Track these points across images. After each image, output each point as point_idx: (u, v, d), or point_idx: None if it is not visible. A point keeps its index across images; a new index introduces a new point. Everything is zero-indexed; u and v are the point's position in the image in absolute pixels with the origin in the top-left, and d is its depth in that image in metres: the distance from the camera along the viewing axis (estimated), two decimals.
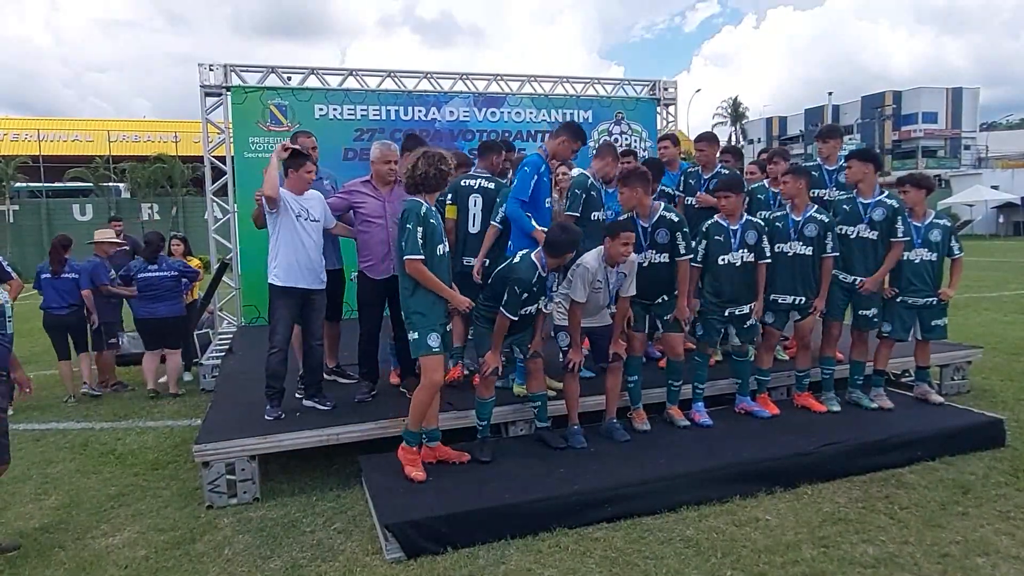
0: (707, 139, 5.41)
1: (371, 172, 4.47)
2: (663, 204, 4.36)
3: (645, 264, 4.24)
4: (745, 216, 4.46)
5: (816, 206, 4.60)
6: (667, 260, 4.24)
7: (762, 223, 4.48)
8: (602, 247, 3.94)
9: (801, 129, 53.59)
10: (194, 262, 7.29)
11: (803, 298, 4.54)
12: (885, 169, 44.41)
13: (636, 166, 4.58)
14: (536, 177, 4.20)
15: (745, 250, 4.38)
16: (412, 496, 3.42)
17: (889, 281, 4.74)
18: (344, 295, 4.98)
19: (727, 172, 5.17)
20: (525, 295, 3.68)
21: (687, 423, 4.36)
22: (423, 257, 3.51)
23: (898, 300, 4.70)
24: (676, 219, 4.25)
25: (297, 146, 4.37)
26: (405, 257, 3.50)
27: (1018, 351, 6.90)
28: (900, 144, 49.11)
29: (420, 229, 3.49)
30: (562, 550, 3.16)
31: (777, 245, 4.49)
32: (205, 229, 8.32)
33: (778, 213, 4.63)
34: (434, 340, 3.57)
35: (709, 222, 4.47)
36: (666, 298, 4.29)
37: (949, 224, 4.75)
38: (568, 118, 8.73)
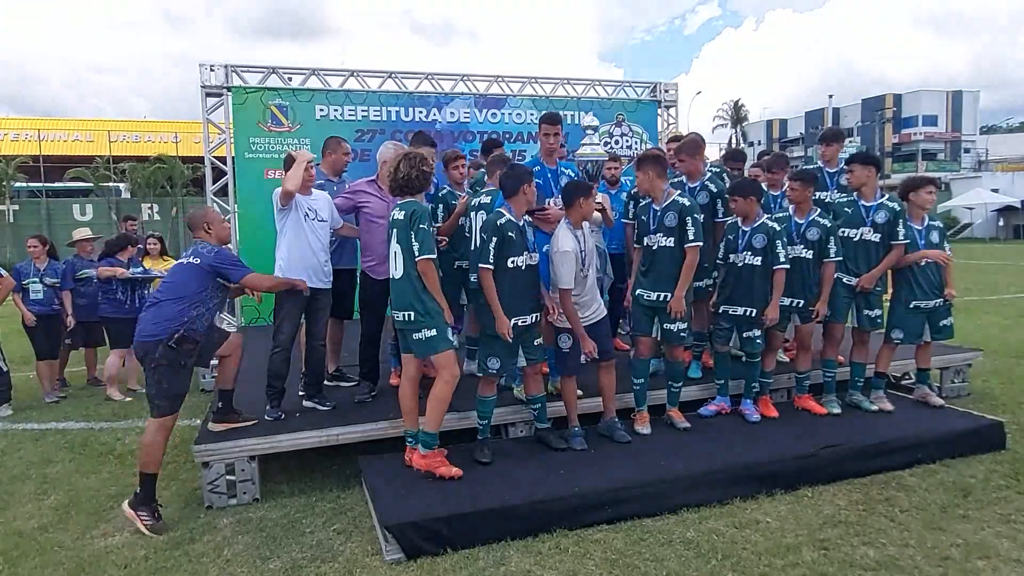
0: (687, 150, 4.84)
1: (376, 172, 4.48)
2: (679, 191, 4.33)
3: (654, 247, 4.23)
4: (761, 219, 4.41)
5: (819, 210, 4.60)
6: (672, 244, 4.17)
7: (776, 227, 4.39)
8: (565, 228, 3.90)
9: (801, 132, 53.67)
10: (171, 262, 7.25)
11: (802, 301, 4.54)
12: (885, 172, 44.51)
13: (650, 150, 4.62)
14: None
15: (749, 253, 4.38)
16: (412, 497, 3.42)
17: (892, 285, 4.72)
18: (356, 296, 4.97)
19: (714, 176, 5.09)
20: (495, 239, 3.67)
21: (687, 425, 4.35)
22: (435, 257, 3.58)
23: (911, 305, 4.67)
24: (688, 203, 4.19)
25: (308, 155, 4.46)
26: (423, 257, 3.52)
27: (1018, 354, 6.89)
28: (900, 147, 49.18)
29: (433, 230, 3.55)
30: (562, 551, 3.16)
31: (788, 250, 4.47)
32: None
33: (779, 215, 4.64)
34: (451, 334, 3.65)
35: (730, 221, 4.54)
36: (669, 297, 4.22)
37: (941, 225, 4.77)
38: (569, 120, 8.72)
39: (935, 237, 4.65)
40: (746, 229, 4.42)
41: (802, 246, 4.51)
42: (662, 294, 4.23)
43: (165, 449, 3.67)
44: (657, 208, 4.23)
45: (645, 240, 4.29)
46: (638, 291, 4.33)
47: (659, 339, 4.39)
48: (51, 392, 6.29)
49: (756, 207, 4.42)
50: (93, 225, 23.22)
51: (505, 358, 3.82)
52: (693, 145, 4.89)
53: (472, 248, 4.22)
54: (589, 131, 4.62)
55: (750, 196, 4.40)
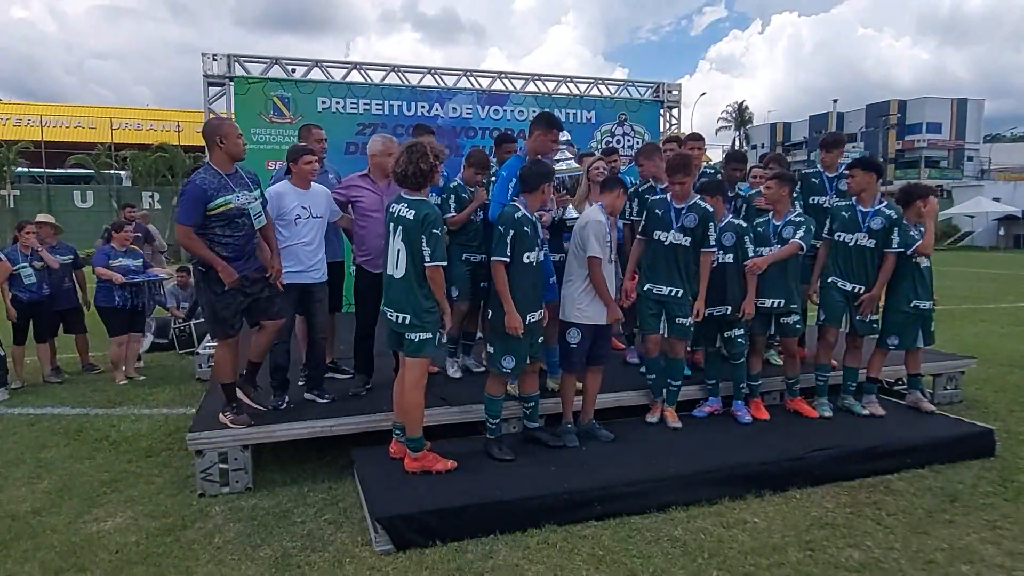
0: (645, 152, 5.10)
1: (368, 166, 4.51)
2: (699, 196, 4.41)
3: (666, 243, 4.29)
4: (727, 218, 4.54)
5: (796, 211, 4.66)
6: (688, 244, 4.27)
7: (743, 224, 4.57)
8: (596, 206, 4.00)
9: (805, 135, 53.62)
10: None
11: (782, 301, 4.59)
12: (887, 178, 44.48)
13: (678, 154, 4.71)
14: (514, 180, 4.23)
15: (721, 252, 4.47)
16: (403, 489, 3.44)
17: (897, 290, 4.71)
18: (344, 288, 5.00)
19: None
20: (512, 232, 3.67)
21: (678, 425, 4.39)
22: (446, 263, 3.59)
23: (911, 304, 4.67)
24: (711, 208, 4.32)
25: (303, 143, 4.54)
26: (433, 263, 3.49)
27: (1012, 363, 6.91)
28: (903, 153, 49.14)
29: (446, 236, 3.55)
30: (550, 547, 3.18)
31: (758, 250, 4.56)
32: None
33: (760, 219, 4.71)
34: (438, 339, 3.66)
35: None
36: (680, 293, 4.29)
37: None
38: (571, 118, 8.76)
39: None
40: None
41: (779, 246, 4.56)
42: (675, 289, 4.30)
43: (236, 363, 3.96)
44: (680, 207, 4.29)
45: (657, 234, 4.33)
46: (647, 286, 4.38)
47: (664, 335, 4.46)
48: (19, 379, 6.31)
49: (722, 206, 4.53)
50: (94, 212, 23.27)
51: (521, 357, 3.81)
52: (651, 148, 5.13)
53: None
54: (563, 145, 4.63)
55: (715, 195, 4.48)
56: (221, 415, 3.90)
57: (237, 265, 3.77)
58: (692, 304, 4.33)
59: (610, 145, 8.45)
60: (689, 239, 4.27)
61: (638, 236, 4.53)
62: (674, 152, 4.85)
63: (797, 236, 4.51)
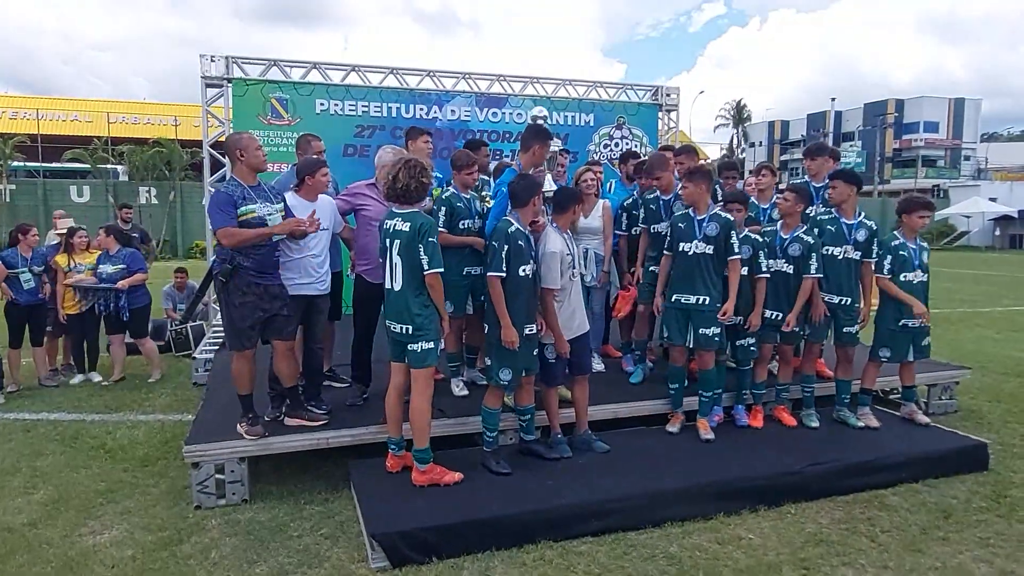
0: (658, 165, 5.00)
1: (375, 175, 4.48)
2: (719, 205, 4.48)
3: (689, 253, 4.36)
4: (744, 231, 4.57)
5: (804, 226, 4.67)
6: (711, 252, 4.33)
7: (759, 238, 4.59)
8: (551, 226, 3.98)
9: (803, 134, 53.54)
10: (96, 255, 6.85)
11: (781, 314, 4.64)
12: (885, 177, 44.54)
13: (701, 164, 4.82)
14: None
15: None
16: (400, 505, 3.45)
17: (885, 308, 4.73)
18: (344, 294, 4.99)
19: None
20: (506, 247, 3.69)
21: (711, 436, 4.39)
22: (443, 271, 3.61)
23: (899, 323, 4.67)
24: (732, 218, 4.39)
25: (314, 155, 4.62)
26: (432, 271, 3.53)
27: (1007, 371, 6.93)
28: (901, 152, 49.17)
29: (438, 244, 3.60)
30: (546, 563, 3.19)
31: (768, 262, 4.59)
32: (202, 215, 8.30)
33: (768, 228, 4.73)
34: (439, 348, 3.72)
35: None
36: (706, 301, 4.32)
37: (928, 247, 4.84)
38: (570, 121, 8.76)
39: (925, 257, 4.73)
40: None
41: (784, 260, 4.59)
42: (701, 298, 4.35)
43: (253, 375, 3.96)
44: (702, 218, 4.36)
45: (681, 246, 4.40)
46: (673, 296, 4.44)
47: (690, 346, 4.51)
48: (15, 383, 6.27)
49: (744, 216, 4.61)
50: (90, 207, 23.15)
51: (518, 370, 3.82)
52: (660, 161, 5.06)
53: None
54: (540, 121, 4.60)
55: (740, 204, 4.56)
56: (238, 425, 3.95)
57: (259, 278, 3.85)
58: (718, 312, 4.34)
59: (630, 149, 8.38)
60: (712, 248, 4.33)
61: (665, 252, 4.59)
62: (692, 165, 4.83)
63: (812, 270, 4.54)
